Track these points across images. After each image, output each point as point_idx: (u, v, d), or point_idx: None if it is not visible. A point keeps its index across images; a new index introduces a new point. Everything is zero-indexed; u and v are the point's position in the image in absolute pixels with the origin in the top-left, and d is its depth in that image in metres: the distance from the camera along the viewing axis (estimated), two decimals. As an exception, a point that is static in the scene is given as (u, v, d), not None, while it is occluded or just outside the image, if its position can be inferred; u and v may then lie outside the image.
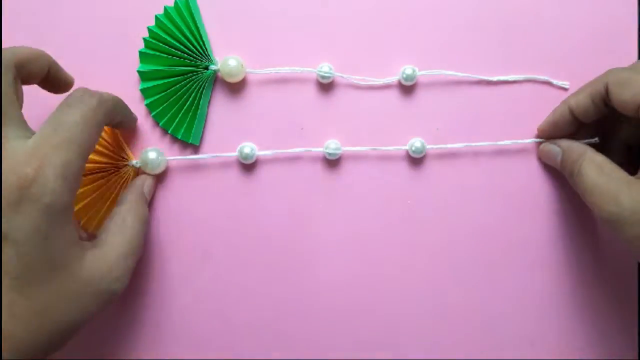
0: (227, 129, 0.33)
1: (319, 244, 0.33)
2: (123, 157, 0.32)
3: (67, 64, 0.30)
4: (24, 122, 0.25)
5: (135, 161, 0.32)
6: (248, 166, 0.33)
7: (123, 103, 0.30)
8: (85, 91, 0.26)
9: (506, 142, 0.32)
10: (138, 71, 0.32)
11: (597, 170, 0.27)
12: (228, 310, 0.33)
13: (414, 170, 0.33)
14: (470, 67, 0.32)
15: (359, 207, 0.33)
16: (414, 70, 0.32)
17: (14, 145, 0.23)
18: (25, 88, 0.28)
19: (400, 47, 0.32)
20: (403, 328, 0.33)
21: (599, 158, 0.28)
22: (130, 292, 0.33)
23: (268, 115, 0.33)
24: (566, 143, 0.31)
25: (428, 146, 0.32)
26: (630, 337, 0.33)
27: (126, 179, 0.32)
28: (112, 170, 0.32)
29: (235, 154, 0.32)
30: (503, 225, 0.33)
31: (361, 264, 0.33)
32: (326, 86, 0.33)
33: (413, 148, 0.32)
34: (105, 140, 0.31)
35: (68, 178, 0.23)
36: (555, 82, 0.33)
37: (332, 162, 0.33)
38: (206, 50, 0.32)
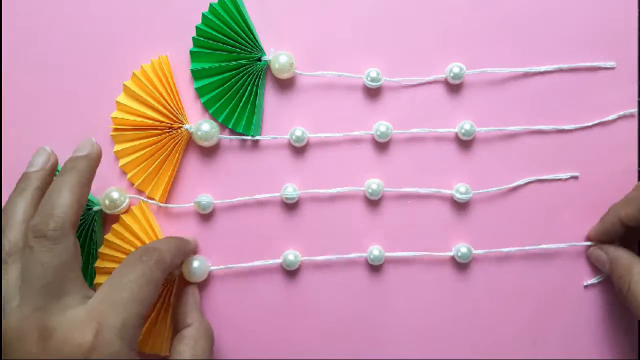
0: (279, 118, 0.33)
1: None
2: (179, 120, 0.32)
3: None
4: (82, 283, 0.25)
5: (189, 125, 0.32)
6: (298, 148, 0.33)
7: (181, 249, 0.30)
8: (144, 250, 0.27)
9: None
10: (191, 70, 0.32)
11: None
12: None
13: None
14: (510, 59, 0.33)
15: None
16: (461, 69, 0.33)
17: (72, 314, 0.24)
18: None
19: (444, 43, 0.33)
20: (401, 328, 0.33)
21: None
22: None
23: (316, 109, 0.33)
24: (613, 252, 0.31)
25: (478, 129, 0.33)
26: (630, 337, 0.33)
27: (179, 141, 0.32)
28: (166, 130, 0.32)
29: (287, 137, 0.33)
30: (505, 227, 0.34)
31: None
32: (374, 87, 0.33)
33: (461, 132, 0.33)
34: (165, 99, 0.31)
35: (126, 338, 0.24)
36: (602, 64, 0.33)
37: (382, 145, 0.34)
38: (257, 41, 0.32)
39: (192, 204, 0.32)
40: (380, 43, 0.33)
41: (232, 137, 0.33)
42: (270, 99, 0.33)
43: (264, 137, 0.33)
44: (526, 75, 0.33)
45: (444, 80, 0.33)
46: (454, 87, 0.33)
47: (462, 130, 0.33)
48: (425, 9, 0.33)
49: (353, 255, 0.33)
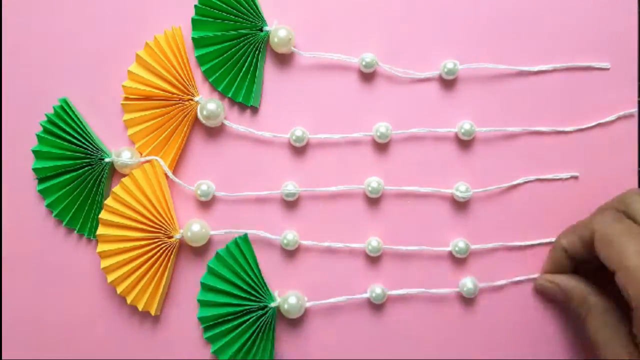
0: (282, 95, 0.34)
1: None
2: (189, 92, 0.32)
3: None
4: None
5: (200, 97, 0.32)
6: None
7: None
8: None
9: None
10: (192, 38, 0.33)
11: (602, 325, 0.28)
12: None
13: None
14: (508, 58, 0.34)
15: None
16: (455, 65, 0.33)
17: None
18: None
19: (440, 40, 0.34)
20: (401, 328, 0.33)
21: (601, 306, 0.29)
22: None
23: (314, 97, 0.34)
24: (566, 283, 0.31)
25: (478, 128, 0.34)
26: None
27: (188, 113, 0.32)
28: (176, 101, 0.32)
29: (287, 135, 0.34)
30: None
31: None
32: (368, 74, 0.34)
33: (461, 132, 0.33)
34: (176, 70, 0.32)
35: None
36: (596, 64, 0.34)
37: (382, 146, 0.34)
38: (258, 11, 0.32)
39: (194, 187, 0.33)
40: (380, 40, 0.34)
41: (236, 125, 0.33)
42: (270, 74, 0.34)
43: (263, 133, 0.33)
44: (527, 75, 0.34)
45: (440, 79, 0.34)
46: (453, 87, 0.34)
47: (462, 130, 0.33)
48: (424, 9, 0.34)
49: (354, 244, 0.33)
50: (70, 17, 0.34)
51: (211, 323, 0.32)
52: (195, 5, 0.33)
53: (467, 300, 0.33)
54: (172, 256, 0.32)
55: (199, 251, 0.34)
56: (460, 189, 0.33)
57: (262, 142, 0.34)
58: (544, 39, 0.34)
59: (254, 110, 0.34)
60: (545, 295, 0.33)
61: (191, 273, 0.33)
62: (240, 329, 0.32)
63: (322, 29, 0.34)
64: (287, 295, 0.32)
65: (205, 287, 0.32)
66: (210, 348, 0.32)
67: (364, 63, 0.33)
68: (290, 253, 0.34)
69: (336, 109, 0.34)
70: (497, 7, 0.34)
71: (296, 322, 0.33)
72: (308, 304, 0.33)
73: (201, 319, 0.32)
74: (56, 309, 0.34)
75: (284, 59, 0.34)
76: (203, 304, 0.32)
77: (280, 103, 0.34)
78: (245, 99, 0.33)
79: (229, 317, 0.32)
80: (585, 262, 0.31)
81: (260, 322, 0.32)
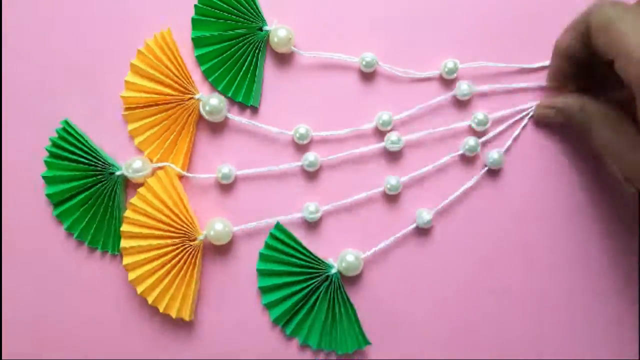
0: (281, 94, 0.34)
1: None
2: (189, 91, 0.32)
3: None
4: None
5: (200, 94, 0.32)
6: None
7: None
8: None
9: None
10: (192, 38, 0.33)
11: (605, 125, 0.28)
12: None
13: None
14: (508, 58, 0.34)
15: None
16: (455, 64, 0.33)
17: None
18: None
19: (440, 40, 0.34)
20: (402, 326, 0.34)
21: (602, 109, 0.28)
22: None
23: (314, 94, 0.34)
24: (562, 101, 0.31)
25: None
26: (631, 337, 0.33)
27: (192, 112, 0.32)
28: (177, 102, 0.32)
29: (291, 132, 0.33)
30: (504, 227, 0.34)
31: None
32: (368, 73, 0.34)
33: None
34: (172, 72, 0.32)
35: None
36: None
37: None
38: (258, 11, 0.33)
39: (214, 175, 0.33)
40: (380, 40, 0.34)
41: (239, 118, 0.33)
42: (270, 74, 0.34)
43: (267, 127, 0.33)
44: (527, 73, 0.34)
45: (438, 77, 0.34)
46: (453, 87, 0.34)
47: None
48: (424, 9, 0.34)
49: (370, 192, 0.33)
50: (65, 26, 0.34)
51: (287, 319, 0.33)
52: (195, 5, 0.33)
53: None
54: (198, 258, 0.32)
55: (222, 249, 0.34)
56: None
57: (263, 141, 0.34)
58: (544, 39, 0.34)
59: (254, 110, 0.34)
60: (547, 122, 0.33)
61: (219, 272, 0.34)
62: (315, 309, 0.32)
63: (322, 29, 0.34)
64: (343, 255, 0.32)
65: (265, 290, 0.33)
66: (298, 340, 0.33)
67: (364, 63, 0.33)
68: (313, 227, 0.34)
69: (336, 109, 0.34)
70: (497, 6, 0.34)
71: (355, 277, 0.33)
72: (363, 255, 0.33)
73: (276, 320, 0.33)
74: (74, 321, 0.34)
75: (284, 59, 0.34)
76: (271, 306, 0.33)
77: (280, 103, 0.34)
78: (245, 98, 0.33)
79: (300, 304, 0.32)
80: (586, 63, 0.30)
81: (330, 292, 0.32)
